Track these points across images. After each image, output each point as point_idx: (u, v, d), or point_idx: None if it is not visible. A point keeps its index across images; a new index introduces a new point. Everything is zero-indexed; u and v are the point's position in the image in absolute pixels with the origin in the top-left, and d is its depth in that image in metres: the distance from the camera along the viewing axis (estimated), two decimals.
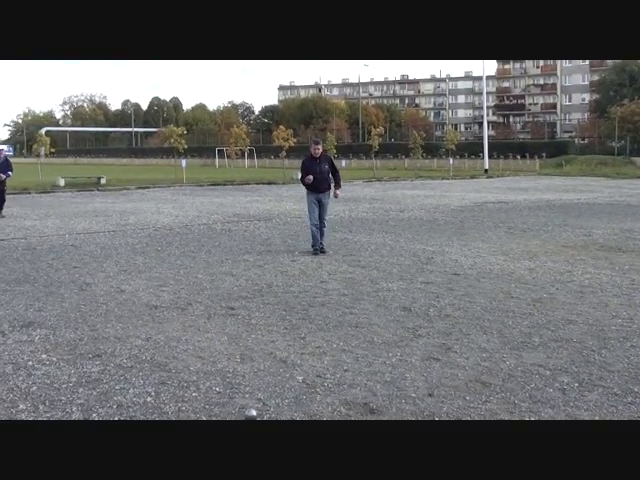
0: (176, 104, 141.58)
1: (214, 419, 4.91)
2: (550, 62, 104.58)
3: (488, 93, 77.15)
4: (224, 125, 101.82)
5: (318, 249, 12.56)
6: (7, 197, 20.62)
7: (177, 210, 21.95)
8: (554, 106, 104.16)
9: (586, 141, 76.08)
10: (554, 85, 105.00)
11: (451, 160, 52.19)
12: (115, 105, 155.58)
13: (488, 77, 77.86)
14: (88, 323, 7.60)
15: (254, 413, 4.88)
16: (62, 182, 34.89)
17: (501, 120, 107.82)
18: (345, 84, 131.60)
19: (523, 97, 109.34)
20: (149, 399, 5.31)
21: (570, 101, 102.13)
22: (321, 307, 8.31)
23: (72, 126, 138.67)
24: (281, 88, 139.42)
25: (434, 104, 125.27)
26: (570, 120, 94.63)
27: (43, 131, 78.71)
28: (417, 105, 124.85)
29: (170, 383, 5.66)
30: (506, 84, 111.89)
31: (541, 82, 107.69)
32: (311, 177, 12.66)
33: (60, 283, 9.83)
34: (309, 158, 12.97)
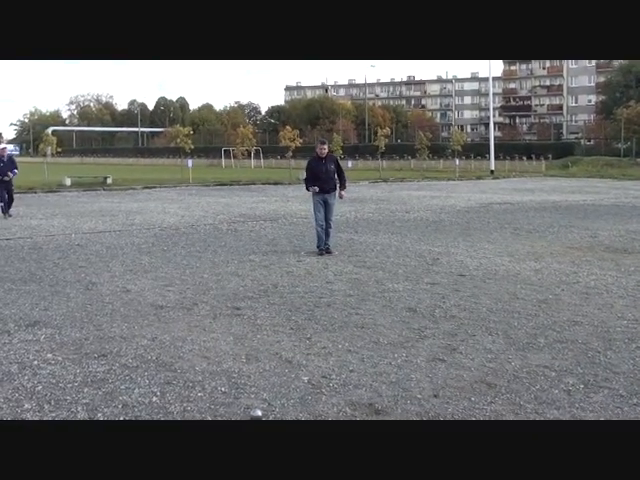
0: (182, 104, 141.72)
1: (219, 419, 4.91)
2: (556, 63, 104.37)
3: (494, 94, 77.03)
4: (230, 125, 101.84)
5: (323, 249, 12.56)
6: (14, 196, 20.66)
7: (183, 210, 21.96)
8: (560, 107, 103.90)
9: (592, 142, 75.88)
10: (560, 86, 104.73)
11: (457, 161, 52.03)
12: (122, 105, 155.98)
13: (494, 78, 77.72)
14: (94, 323, 7.61)
15: (259, 413, 4.88)
16: (68, 181, 34.94)
17: (507, 121, 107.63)
18: (351, 85, 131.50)
19: (529, 98, 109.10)
20: (154, 399, 5.31)
21: (576, 102, 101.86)
22: (327, 308, 8.31)
23: (78, 126, 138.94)
24: (288, 88, 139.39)
25: (440, 105, 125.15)
26: (576, 121, 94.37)
27: (49, 130, 78.77)
28: (423, 106, 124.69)
29: (175, 383, 5.66)
30: (512, 85, 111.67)
31: (547, 83, 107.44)
32: (317, 188, 12.70)
33: (66, 282, 9.85)
34: (315, 158, 12.97)
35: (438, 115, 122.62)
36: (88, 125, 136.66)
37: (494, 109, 72.68)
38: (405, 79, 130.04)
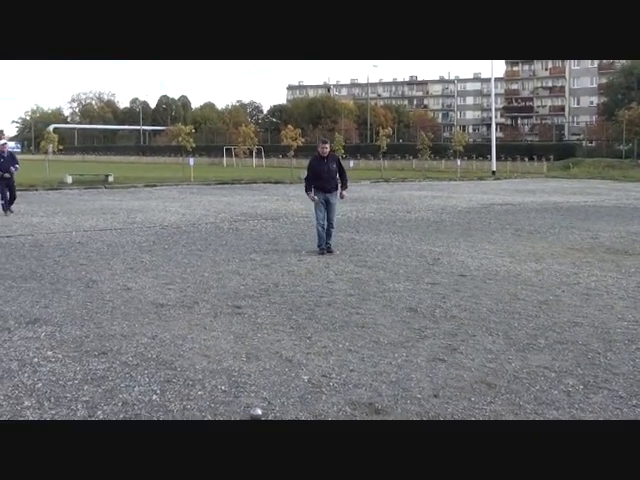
0: (184, 102, 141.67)
1: (219, 418, 4.91)
2: (559, 65, 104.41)
3: (496, 95, 77.04)
4: (232, 124, 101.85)
5: (324, 248, 12.56)
6: (16, 194, 20.66)
7: (184, 208, 21.97)
8: (562, 109, 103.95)
9: (594, 144, 75.80)
10: (562, 88, 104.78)
11: (459, 161, 52.04)
12: (123, 103, 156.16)
13: (497, 79, 77.72)
14: (94, 320, 7.62)
15: (259, 412, 4.89)
16: (70, 179, 34.93)
17: (509, 122, 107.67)
18: (354, 84, 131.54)
19: (531, 99, 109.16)
20: (154, 397, 5.31)
21: (578, 104, 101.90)
22: (327, 307, 8.31)
23: (80, 123, 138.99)
24: (290, 88, 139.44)
25: (442, 105, 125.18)
26: (578, 123, 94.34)
27: (51, 128, 78.78)
28: (425, 106, 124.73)
29: (175, 381, 5.67)
30: (514, 86, 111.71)
31: (549, 85, 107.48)
32: (315, 197, 12.73)
33: (66, 280, 9.86)
34: (316, 157, 12.97)
35: (440, 115, 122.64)
36: (90, 123, 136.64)
37: (496, 110, 72.59)
38: (407, 79, 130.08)
